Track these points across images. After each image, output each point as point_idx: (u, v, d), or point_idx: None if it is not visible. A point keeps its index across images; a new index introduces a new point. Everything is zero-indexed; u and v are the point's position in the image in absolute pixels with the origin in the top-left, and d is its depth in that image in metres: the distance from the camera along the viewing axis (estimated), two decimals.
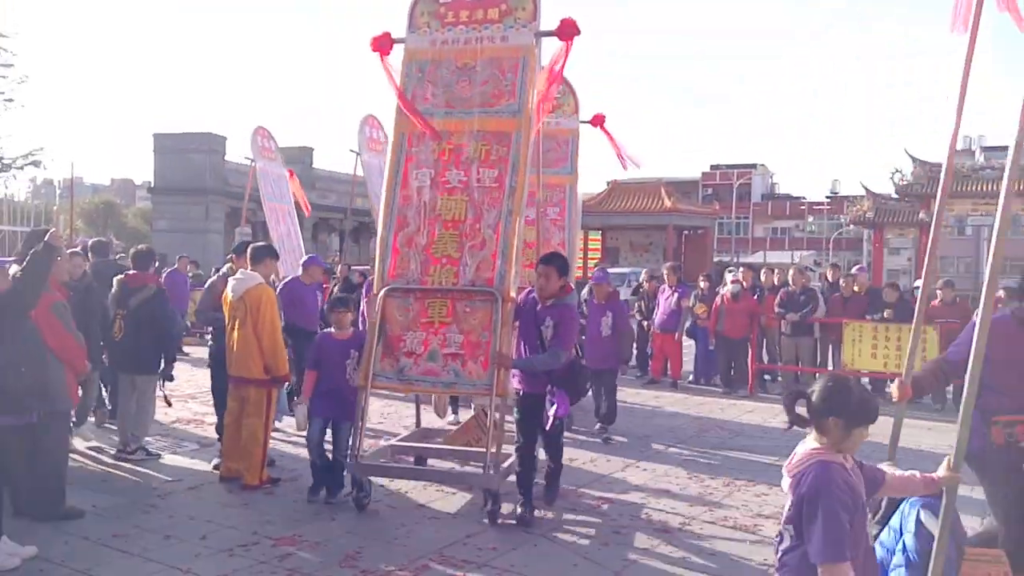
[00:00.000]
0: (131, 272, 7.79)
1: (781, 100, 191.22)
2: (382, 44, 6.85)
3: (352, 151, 14.37)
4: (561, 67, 6.47)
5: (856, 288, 12.64)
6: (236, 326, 6.82)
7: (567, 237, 10.91)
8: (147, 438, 7.81)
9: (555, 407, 5.91)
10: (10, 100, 31.72)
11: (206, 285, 8.41)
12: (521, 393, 6.23)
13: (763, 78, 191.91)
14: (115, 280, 7.77)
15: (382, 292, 6.39)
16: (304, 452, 6.81)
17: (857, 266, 16.24)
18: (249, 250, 7.31)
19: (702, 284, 13.60)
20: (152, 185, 40.60)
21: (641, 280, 15.28)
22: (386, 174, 6.77)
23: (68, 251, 7.53)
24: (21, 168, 34.86)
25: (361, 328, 7.92)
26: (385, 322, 6.35)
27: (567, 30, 6.48)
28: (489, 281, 6.22)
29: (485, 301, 6.19)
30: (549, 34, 6.58)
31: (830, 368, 12.78)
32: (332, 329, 6.72)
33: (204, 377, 11.89)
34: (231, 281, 7.02)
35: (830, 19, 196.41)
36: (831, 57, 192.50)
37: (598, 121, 10.78)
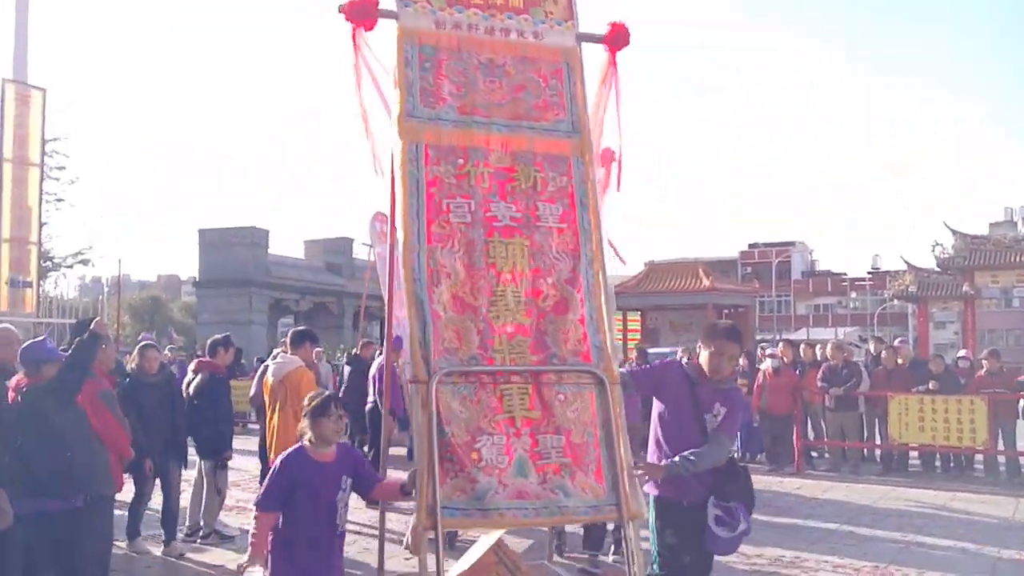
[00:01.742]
0: (201, 359, 8.33)
1: (776, 91, 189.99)
2: (364, 10, 4.58)
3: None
4: (618, 105, 5.03)
5: (900, 360, 12.53)
6: (276, 409, 6.90)
7: None
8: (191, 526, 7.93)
9: (741, 528, 4.38)
10: (61, 200, 32.96)
11: (256, 375, 8.60)
12: (663, 499, 4.53)
13: (759, 69, 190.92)
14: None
15: (436, 378, 4.11)
16: (352, 545, 5.03)
17: (898, 339, 16.11)
18: (289, 334, 7.46)
19: (741, 361, 13.52)
20: (197, 279, 41.47)
21: (679, 358, 15.19)
22: (399, 203, 4.47)
23: (142, 344, 7.87)
24: (70, 266, 35.94)
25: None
26: (442, 423, 4.09)
27: (618, 36, 5.00)
28: (584, 356, 4.45)
29: (582, 384, 4.39)
30: (595, 39, 5.04)
31: (878, 442, 12.58)
32: (307, 444, 4.18)
33: (247, 463, 11.97)
34: (271, 365, 7.14)
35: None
36: (825, 49, 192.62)
37: (607, 159, 7.31)
